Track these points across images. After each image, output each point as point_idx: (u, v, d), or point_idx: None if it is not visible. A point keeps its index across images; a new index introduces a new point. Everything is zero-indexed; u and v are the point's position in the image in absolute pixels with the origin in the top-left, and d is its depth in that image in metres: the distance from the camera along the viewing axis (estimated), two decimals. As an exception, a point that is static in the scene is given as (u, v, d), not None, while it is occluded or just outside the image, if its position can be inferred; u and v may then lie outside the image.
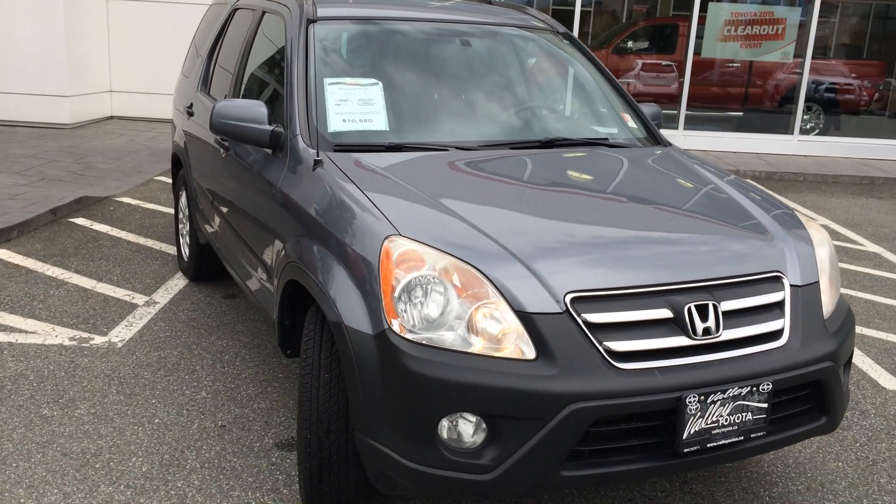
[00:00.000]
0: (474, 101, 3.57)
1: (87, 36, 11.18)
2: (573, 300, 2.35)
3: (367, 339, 2.41)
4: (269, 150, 3.35)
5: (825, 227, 7.83)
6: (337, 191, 2.78)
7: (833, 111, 12.80)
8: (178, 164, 5.43)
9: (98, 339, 4.31)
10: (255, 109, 3.24)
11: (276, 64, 3.74)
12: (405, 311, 2.36)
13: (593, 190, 3.00)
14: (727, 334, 2.46)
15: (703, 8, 11.64)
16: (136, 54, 11.67)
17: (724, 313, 2.47)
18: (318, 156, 2.97)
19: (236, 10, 4.69)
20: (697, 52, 11.87)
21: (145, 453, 3.26)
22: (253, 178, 3.47)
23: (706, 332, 2.42)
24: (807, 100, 12.12)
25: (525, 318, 2.31)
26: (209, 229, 4.50)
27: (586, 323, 2.33)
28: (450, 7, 4.04)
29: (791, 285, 2.65)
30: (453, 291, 2.36)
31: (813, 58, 11.87)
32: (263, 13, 4.08)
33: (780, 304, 2.61)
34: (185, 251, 5.28)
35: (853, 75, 12.91)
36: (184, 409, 3.62)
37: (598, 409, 2.25)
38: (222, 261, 4.32)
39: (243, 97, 3.98)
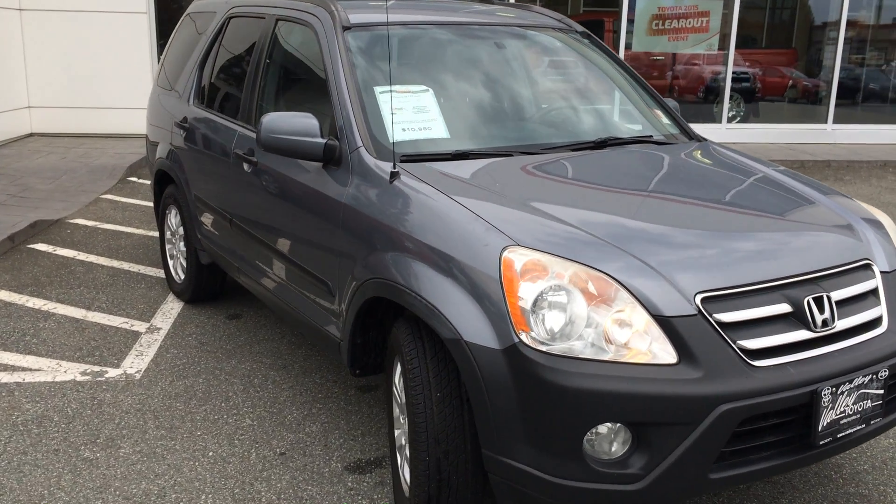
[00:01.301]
0: (523, 104, 3.53)
1: (0, 50, 10.53)
2: (703, 300, 2.34)
3: (494, 354, 2.34)
4: (319, 164, 3.22)
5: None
6: (430, 203, 2.69)
7: (752, 99, 13.34)
8: (162, 182, 5.17)
9: (113, 372, 4.05)
10: (307, 122, 3.10)
11: (309, 74, 3.60)
12: (537, 323, 2.30)
13: (677, 189, 3.02)
14: (840, 324, 2.51)
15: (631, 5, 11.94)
16: (56, 67, 11.08)
17: (835, 303, 2.52)
18: (394, 167, 2.87)
19: (231, 17, 4.49)
20: (628, 47, 12.15)
21: (213, 489, 3.08)
22: (302, 194, 3.32)
23: (825, 323, 2.46)
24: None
25: (662, 321, 2.29)
26: (220, 248, 4.29)
27: (719, 323, 2.33)
28: (475, 10, 3.98)
29: (881, 272, 2.73)
30: (582, 299, 2.31)
31: (737, 48, 12.35)
32: (277, 21, 3.91)
33: (874, 292, 2.68)
34: (179, 273, 5.03)
35: (768, 64, 13.50)
36: (234, 439, 3.44)
37: (745, 410, 2.26)
38: (240, 281, 4.14)
39: (266, 111, 3.81)
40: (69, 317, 4.76)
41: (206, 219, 4.44)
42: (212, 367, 4.14)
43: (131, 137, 10.94)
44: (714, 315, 2.34)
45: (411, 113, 3.19)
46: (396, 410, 2.92)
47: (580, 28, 4.14)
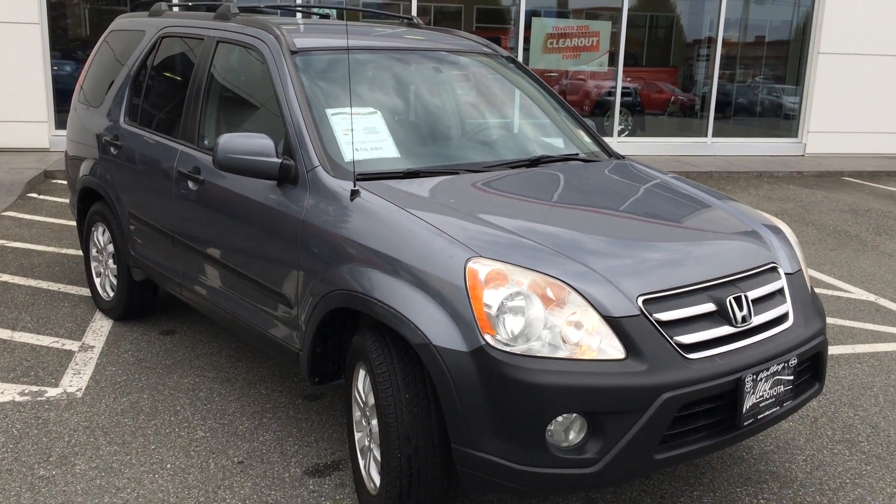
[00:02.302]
0: (463, 125, 3.79)
1: None
2: (644, 301, 2.66)
3: (461, 356, 2.57)
4: (273, 182, 3.37)
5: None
6: (392, 217, 2.90)
7: (639, 114, 14.14)
8: (88, 199, 5.14)
9: (52, 391, 4.04)
10: (263, 142, 3.25)
11: (254, 95, 3.74)
12: (501, 326, 2.55)
13: (608, 202, 3.35)
14: (756, 320, 2.88)
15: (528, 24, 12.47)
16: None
17: (751, 302, 2.89)
18: (354, 185, 3.06)
19: (164, 37, 4.56)
20: (525, 64, 12.65)
21: (177, 499, 3.17)
22: (255, 212, 3.45)
23: (744, 319, 2.82)
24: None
25: (611, 321, 2.59)
26: (159, 265, 4.34)
27: (658, 321, 2.65)
28: (411, 35, 4.21)
29: (785, 273, 3.13)
30: (540, 303, 2.58)
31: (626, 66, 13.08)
32: (218, 43, 4.03)
33: (781, 291, 3.08)
34: (108, 290, 5.01)
35: (652, 80, 14.34)
36: (190, 451, 3.53)
37: (683, 397, 2.58)
38: (182, 296, 4.20)
39: (210, 130, 3.92)
40: (-5, 338, 4.68)
41: (142, 236, 4.47)
42: (154, 382, 4.19)
43: (26, 152, 10.57)
44: (654, 314, 2.65)
45: (363, 133, 3.39)
46: (357, 414, 3.11)
47: (505, 53, 4.44)
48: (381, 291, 2.80)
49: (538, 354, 2.55)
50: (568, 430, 2.57)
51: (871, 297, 6.11)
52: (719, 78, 13.61)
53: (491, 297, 2.57)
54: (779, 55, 14.69)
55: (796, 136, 14.00)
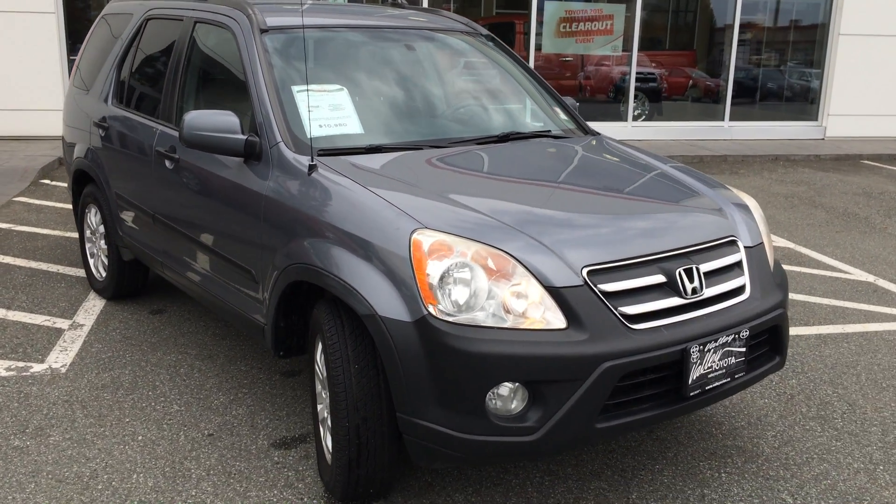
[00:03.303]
0: (432, 101, 3.80)
1: None
2: (589, 273, 2.66)
3: (405, 326, 2.60)
4: (240, 160, 3.42)
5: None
6: (345, 192, 2.94)
7: (656, 98, 14.00)
8: (81, 181, 5.25)
9: (38, 367, 4.15)
10: (228, 119, 3.30)
11: (228, 74, 3.79)
12: (443, 296, 2.58)
13: (570, 177, 3.34)
14: (708, 292, 2.87)
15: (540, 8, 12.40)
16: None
17: (703, 274, 2.88)
18: (312, 160, 3.10)
19: (149, 19, 4.62)
20: (539, 48, 12.61)
21: (144, 469, 3.25)
22: (224, 188, 3.51)
23: (694, 291, 2.81)
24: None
25: (553, 291, 2.60)
26: (143, 244, 4.42)
27: (602, 292, 2.65)
28: (387, 14, 4.23)
29: (745, 247, 3.11)
30: (483, 274, 2.60)
31: (641, 50, 12.96)
32: (196, 23, 4.08)
33: (739, 264, 3.06)
34: (101, 270, 5.11)
35: (669, 65, 14.19)
36: (163, 424, 3.61)
37: (624, 366, 2.58)
38: (164, 275, 4.28)
39: (186, 110, 3.97)
40: (-11, 316, 4.80)
41: (128, 216, 4.56)
42: (137, 359, 4.28)
43: (42, 140, 10.77)
44: (598, 285, 2.66)
45: (327, 110, 3.42)
46: (318, 386, 3.15)
47: (485, 31, 4.45)
48: (333, 264, 2.84)
49: (480, 324, 2.56)
50: (509, 399, 2.59)
51: (871, 278, 6.02)
52: (737, 61, 13.44)
53: (434, 268, 2.60)
54: (799, 38, 14.44)
55: (816, 120, 13.77)
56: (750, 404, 3.91)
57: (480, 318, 2.58)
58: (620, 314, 2.66)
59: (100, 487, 3.12)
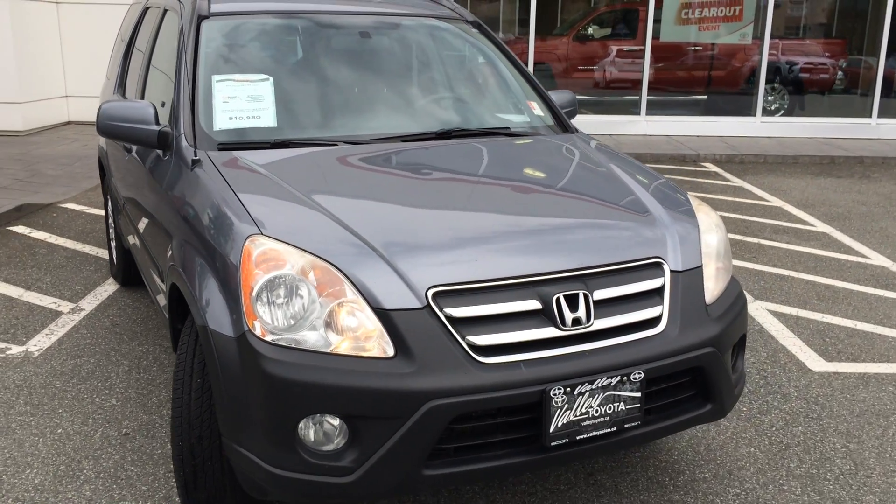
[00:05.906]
0: (370, 95, 3.50)
1: (37, 41, 11.05)
2: (435, 295, 2.29)
3: (229, 342, 2.35)
4: (159, 152, 3.28)
5: (778, 208, 7.80)
6: (208, 191, 2.72)
7: (796, 91, 12.77)
8: (103, 171, 5.35)
9: (15, 350, 4.23)
10: (142, 110, 3.17)
11: (172, 62, 3.66)
12: (265, 312, 2.30)
13: (473, 181, 2.95)
14: (599, 324, 2.41)
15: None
16: (91, 58, 11.50)
17: (596, 302, 2.42)
18: (195, 155, 2.90)
19: (147, 9, 4.61)
20: (656, 37, 11.82)
21: (41, 465, 3.19)
22: (147, 180, 3.40)
23: (576, 322, 2.36)
24: (770, 80, 12.09)
25: (383, 315, 2.25)
26: (126, 234, 4.42)
27: (448, 318, 2.27)
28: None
29: (672, 271, 2.60)
30: (314, 290, 2.29)
31: (774, 38, 11.84)
32: (165, 11, 4.00)
33: (659, 291, 2.56)
34: (115, 256, 5.20)
35: (814, 54, 12.89)
36: (90, 419, 3.55)
37: (457, 406, 2.20)
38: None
39: (145, 98, 3.90)
40: (5, 295, 4.99)
41: (117, 205, 4.58)
42: (110, 348, 4.27)
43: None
44: (445, 309, 2.28)
45: (244, 101, 3.21)
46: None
47: (471, 17, 4.06)
48: (189, 269, 2.63)
49: (300, 347, 2.27)
50: (323, 434, 2.27)
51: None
52: (888, 51, 11.97)
53: (257, 280, 2.32)
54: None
55: None
56: (730, 452, 3.33)
57: (307, 339, 2.28)
58: (468, 344, 2.27)
59: (-11, 480, 3.09)
